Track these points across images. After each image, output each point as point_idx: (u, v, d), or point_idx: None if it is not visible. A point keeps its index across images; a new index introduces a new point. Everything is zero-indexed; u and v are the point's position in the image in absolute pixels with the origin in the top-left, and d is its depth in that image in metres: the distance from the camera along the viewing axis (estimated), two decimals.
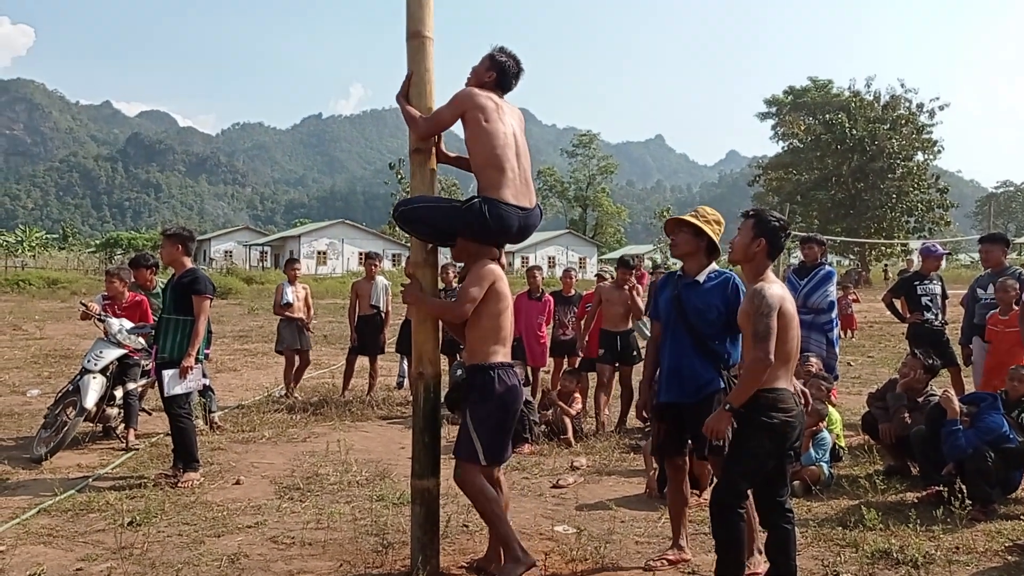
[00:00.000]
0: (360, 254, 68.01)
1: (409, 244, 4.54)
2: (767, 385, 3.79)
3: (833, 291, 8.28)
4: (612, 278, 8.99)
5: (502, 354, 4.26)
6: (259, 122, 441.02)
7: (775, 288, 3.85)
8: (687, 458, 4.57)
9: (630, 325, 8.49)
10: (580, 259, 73.44)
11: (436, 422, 4.39)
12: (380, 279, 10.24)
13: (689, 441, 4.41)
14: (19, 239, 71.70)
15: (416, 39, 4.40)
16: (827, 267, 8.39)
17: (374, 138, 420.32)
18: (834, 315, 8.27)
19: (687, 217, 4.41)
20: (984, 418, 5.60)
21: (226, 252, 74.40)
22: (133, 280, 8.09)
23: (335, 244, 68.96)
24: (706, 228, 4.32)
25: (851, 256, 54.60)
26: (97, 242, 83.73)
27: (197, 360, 6.32)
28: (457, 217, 4.26)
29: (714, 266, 4.42)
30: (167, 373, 6.20)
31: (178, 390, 6.25)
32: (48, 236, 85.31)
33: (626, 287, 8.35)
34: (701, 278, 4.38)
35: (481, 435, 4.17)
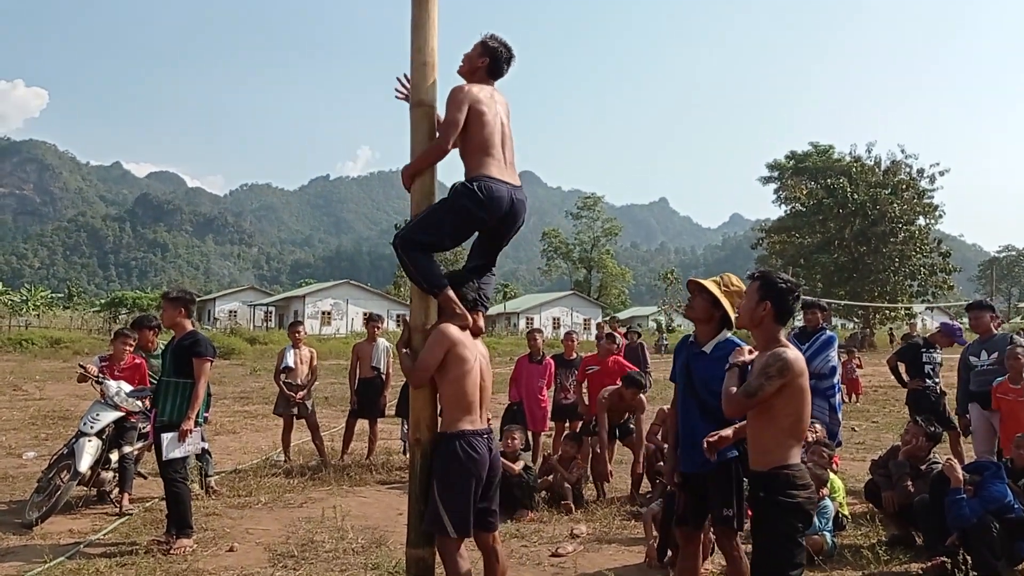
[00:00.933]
0: (364, 314, 68.07)
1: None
2: (783, 462, 3.59)
3: (835, 356, 8.24)
4: (613, 332, 9.00)
5: (468, 421, 4.18)
6: (267, 183, 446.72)
7: (793, 354, 3.60)
8: (703, 531, 4.51)
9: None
10: (585, 320, 73.30)
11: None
12: (382, 341, 10.22)
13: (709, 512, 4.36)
14: (24, 298, 71.83)
15: (420, 107, 4.47)
16: (828, 332, 8.36)
17: (381, 199, 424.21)
18: (836, 380, 8.21)
19: (707, 283, 4.37)
20: (988, 487, 5.52)
21: (231, 312, 74.43)
22: (135, 341, 8.10)
23: (339, 304, 69.04)
24: (723, 299, 4.28)
25: (855, 319, 54.58)
26: (102, 302, 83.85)
27: (196, 423, 6.28)
28: (448, 210, 4.22)
29: (726, 334, 4.37)
30: (166, 436, 6.15)
31: (176, 454, 6.18)
32: (53, 295, 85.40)
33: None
34: (708, 348, 4.35)
35: (447, 506, 4.07)
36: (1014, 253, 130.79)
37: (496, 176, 4.25)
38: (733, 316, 4.27)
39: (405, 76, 4.55)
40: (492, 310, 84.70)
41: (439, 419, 4.31)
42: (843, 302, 48.92)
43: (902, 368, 8.78)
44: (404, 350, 4.39)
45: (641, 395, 8.12)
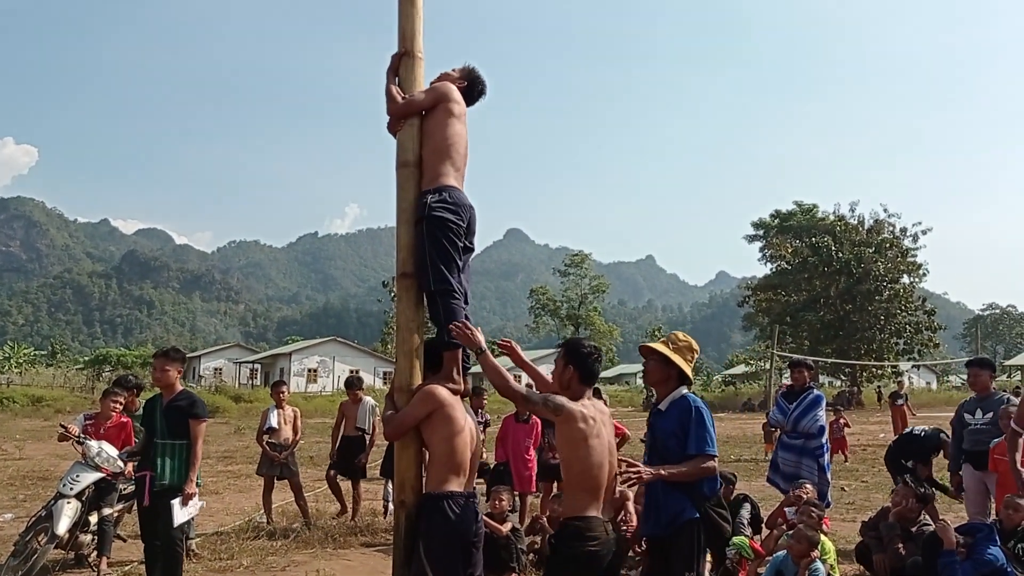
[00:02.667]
0: (350, 372, 67.70)
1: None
2: (576, 513, 3.86)
3: (822, 415, 8.24)
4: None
5: (456, 483, 4.13)
6: (255, 240, 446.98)
7: (578, 405, 3.91)
8: None
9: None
10: None
11: None
12: (368, 399, 10.17)
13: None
14: (6, 355, 71.16)
15: (405, 168, 4.51)
16: (816, 391, 8.37)
17: (368, 256, 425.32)
18: (824, 440, 8.19)
19: (656, 345, 4.39)
20: (981, 550, 5.46)
21: (216, 370, 73.91)
22: (124, 400, 8.00)
23: (326, 362, 68.67)
24: (674, 356, 4.29)
25: (842, 377, 54.62)
26: (86, 359, 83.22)
27: (196, 485, 6.20)
28: (436, 236, 4.25)
29: (681, 391, 4.34)
30: (176, 502, 6.01)
31: (183, 518, 6.09)
32: (36, 353, 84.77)
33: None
34: (664, 406, 4.34)
35: (433, 568, 3.99)
36: (998, 311, 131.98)
37: (455, 185, 4.37)
38: (688, 370, 4.30)
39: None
40: (478, 368, 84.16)
41: (426, 479, 4.26)
42: (830, 360, 49.00)
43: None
44: (388, 412, 4.36)
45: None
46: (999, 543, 5.57)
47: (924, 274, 52.73)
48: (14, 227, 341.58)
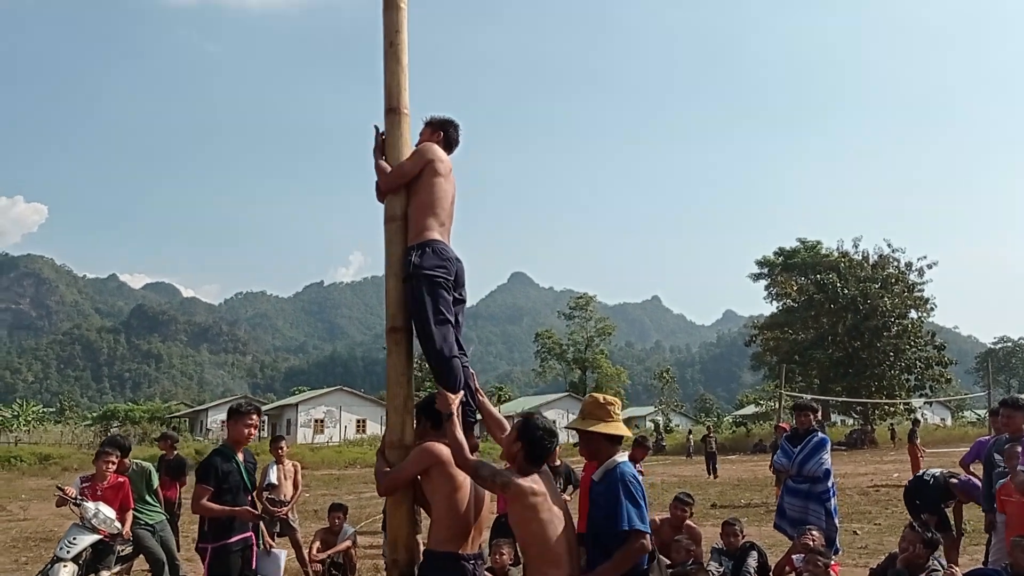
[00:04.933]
0: (357, 422, 67.36)
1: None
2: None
3: (828, 459, 8.12)
4: None
5: (457, 543, 4.08)
6: (262, 290, 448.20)
7: (528, 480, 3.82)
8: None
9: None
10: None
11: None
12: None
13: None
14: (15, 414, 71.09)
15: (393, 222, 4.54)
16: (820, 434, 8.27)
17: (374, 304, 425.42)
18: (831, 483, 8.07)
19: (572, 423, 4.19)
20: None
21: (222, 423, 73.55)
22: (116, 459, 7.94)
23: (333, 412, 68.40)
24: (586, 426, 4.08)
25: (855, 416, 54.17)
26: (94, 415, 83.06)
27: None
28: (412, 293, 4.31)
29: (616, 460, 4.04)
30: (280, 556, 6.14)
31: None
32: (45, 410, 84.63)
33: None
34: (597, 475, 4.06)
35: None
36: (1010, 344, 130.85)
37: (439, 239, 4.43)
38: (609, 429, 4.08)
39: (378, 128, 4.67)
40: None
41: (428, 536, 4.19)
42: (840, 399, 48.66)
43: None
44: (382, 468, 4.32)
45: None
46: None
47: (932, 308, 52.68)
48: (24, 285, 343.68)
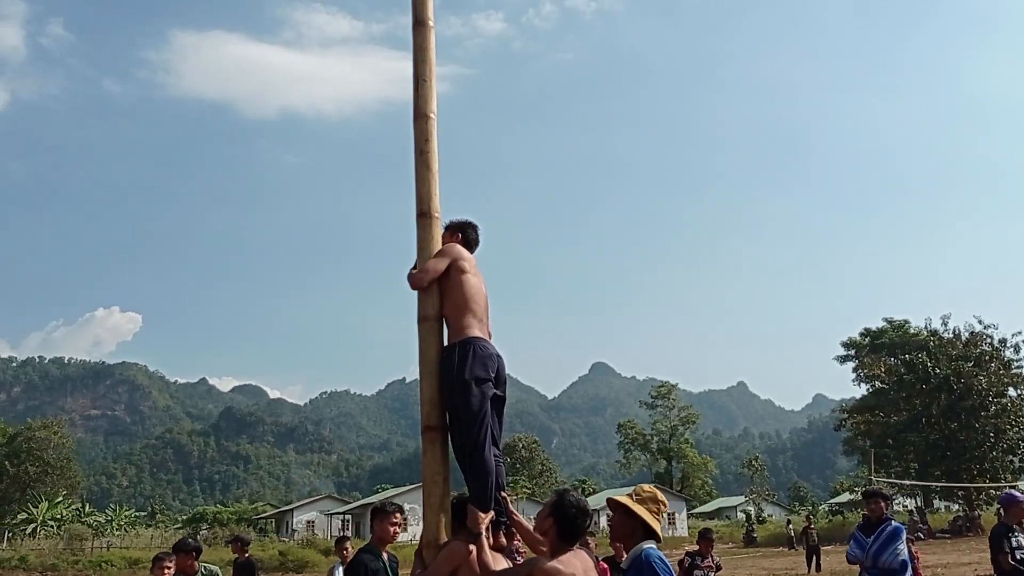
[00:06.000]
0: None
1: None
2: None
3: (904, 549, 7.77)
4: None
5: None
6: (345, 389, 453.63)
7: (554, 562, 3.80)
8: None
9: None
10: (669, 515, 70.66)
11: None
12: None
13: None
14: (109, 518, 72.93)
15: (426, 322, 4.67)
16: (895, 523, 7.94)
17: None
18: (908, 575, 7.69)
19: (620, 497, 4.19)
20: None
21: (308, 522, 74.00)
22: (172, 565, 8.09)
23: (415, 509, 67.97)
24: (637, 508, 4.07)
25: (958, 502, 51.45)
26: (184, 518, 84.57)
27: None
28: (464, 392, 4.37)
29: (643, 547, 4.04)
30: None
31: None
32: (137, 514, 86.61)
33: None
34: (625, 564, 4.12)
35: None
36: None
37: (480, 335, 4.51)
38: (653, 523, 4.07)
39: None
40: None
41: None
42: (940, 483, 46.36)
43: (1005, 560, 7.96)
44: (417, 571, 4.34)
45: None
46: None
47: None
48: (119, 391, 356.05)
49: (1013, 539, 7.90)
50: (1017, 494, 8.37)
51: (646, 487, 4.27)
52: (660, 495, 4.24)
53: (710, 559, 10.70)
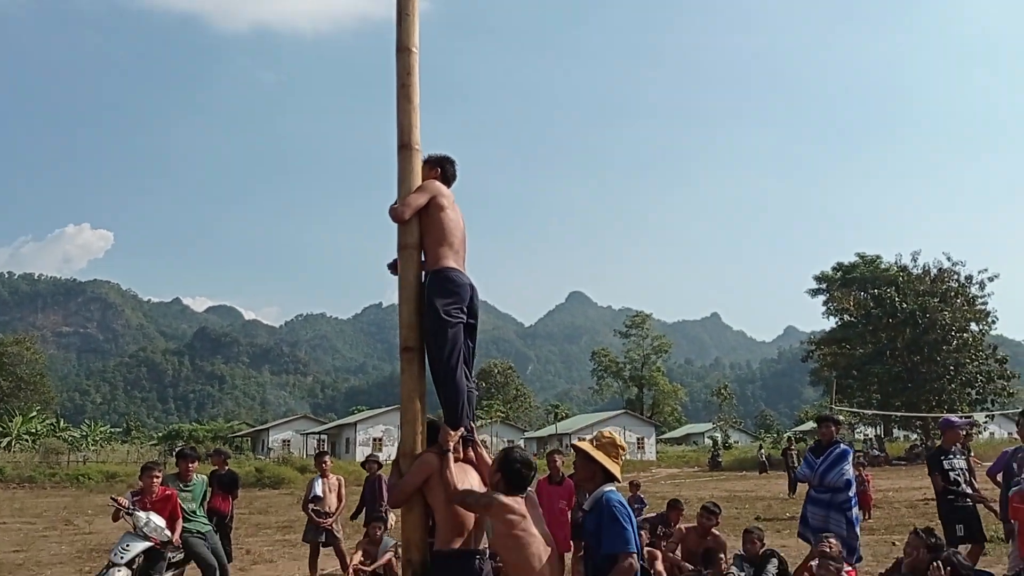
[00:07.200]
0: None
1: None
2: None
3: (850, 469, 8.30)
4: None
5: (460, 541, 4.42)
6: (321, 313, 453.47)
7: (509, 499, 4.26)
8: None
9: None
10: (639, 439, 72.37)
11: None
12: None
13: None
14: (84, 434, 73.49)
15: (406, 249, 4.91)
16: (842, 445, 8.45)
17: None
18: (852, 493, 8.22)
19: (580, 443, 4.47)
20: None
21: (284, 441, 75.00)
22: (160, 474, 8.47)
23: (391, 430, 69.13)
24: (596, 454, 4.34)
25: (916, 431, 53.09)
26: (159, 435, 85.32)
27: None
28: (430, 319, 4.65)
29: (603, 489, 4.31)
30: None
31: None
32: (112, 430, 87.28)
33: None
34: (588, 505, 4.39)
35: None
36: None
37: (453, 266, 4.76)
38: (612, 467, 4.33)
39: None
40: (544, 431, 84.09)
41: (435, 539, 4.53)
42: (900, 413, 47.75)
43: (937, 480, 8.50)
44: (393, 479, 4.70)
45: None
46: None
47: (993, 322, 51.47)
48: (91, 309, 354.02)
49: (946, 462, 8.44)
50: (954, 419, 8.91)
51: (606, 433, 4.59)
52: (620, 440, 4.55)
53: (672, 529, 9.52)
